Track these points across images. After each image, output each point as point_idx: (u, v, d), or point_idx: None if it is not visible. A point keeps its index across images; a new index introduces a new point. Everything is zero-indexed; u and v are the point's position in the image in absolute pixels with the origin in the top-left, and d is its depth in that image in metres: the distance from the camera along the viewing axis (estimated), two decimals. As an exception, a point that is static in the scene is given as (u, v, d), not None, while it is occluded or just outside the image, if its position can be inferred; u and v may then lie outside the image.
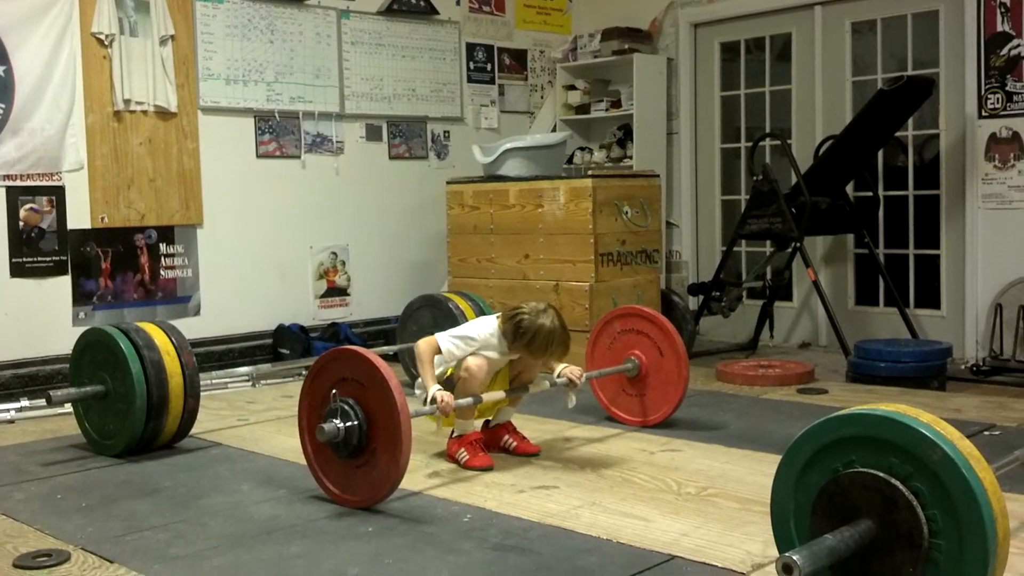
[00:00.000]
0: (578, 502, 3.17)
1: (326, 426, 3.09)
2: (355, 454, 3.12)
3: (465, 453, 3.66)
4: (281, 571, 2.62)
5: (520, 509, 3.10)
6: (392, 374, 3.07)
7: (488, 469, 3.60)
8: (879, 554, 2.10)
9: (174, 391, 3.86)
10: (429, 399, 3.37)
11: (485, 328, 3.67)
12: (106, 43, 5.42)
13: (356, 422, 3.09)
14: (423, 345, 3.57)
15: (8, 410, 4.71)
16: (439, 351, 3.58)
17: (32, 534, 2.98)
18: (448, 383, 3.59)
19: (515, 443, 3.80)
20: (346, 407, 3.12)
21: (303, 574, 2.60)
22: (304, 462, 3.70)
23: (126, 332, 3.90)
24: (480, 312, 4.89)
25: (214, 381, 5.09)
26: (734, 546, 2.73)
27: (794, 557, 1.97)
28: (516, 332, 3.57)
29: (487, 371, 3.62)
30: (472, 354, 3.59)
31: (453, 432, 3.73)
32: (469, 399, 3.49)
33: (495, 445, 3.80)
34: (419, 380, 3.59)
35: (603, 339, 4.29)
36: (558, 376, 3.72)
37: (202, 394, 4.13)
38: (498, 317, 3.68)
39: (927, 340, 5.60)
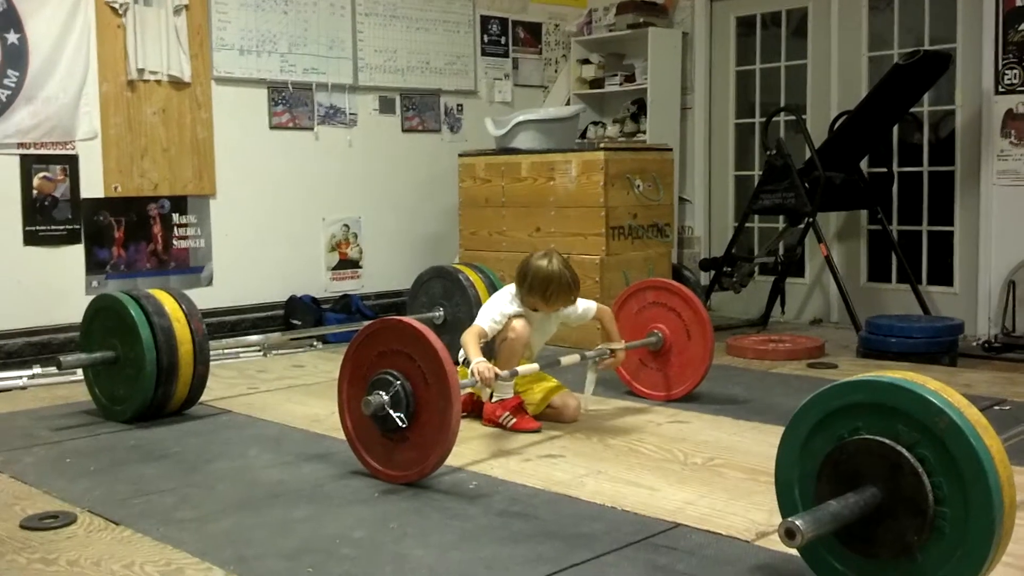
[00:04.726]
0: (584, 471, 3.17)
1: (372, 398, 3.00)
2: (400, 427, 2.99)
3: (511, 417, 3.68)
4: (286, 534, 2.64)
5: (526, 477, 3.11)
6: (441, 343, 3.00)
7: (536, 431, 3.63)
8: (884, 521, 2.09)
9: (184, 358, 3.87)
10: (470, 371, 3.37)
11: (506, 294, 3.76)
12: (120, 12, 5.41)
13: (403, 393, 3.00)
14: (467, 332, 3.59)
15: (20, 377, 4.73)
16: (484, 334, 3.61)
17: (39, 496, 2.99)
18: (489, 350, 3.64)
19: (515, 419, 3.72)
20: (391, 378, 3.02)
21: (308, 537, 2.61)
22: (315, 429, 3.74)
23: (136, 299, 3.91)
24: (490, 283, 4.90)
25: (225, 351, 5.12)
26: (739, 515, 2.72)
27: (797, 522, 1.96)
28: (522, 281, 3.66)
29: (530, 331, 3.68)
30: (516, 316, 3.66)
31: (492, 396, 3.73)
32: (506, 372, 3.48)
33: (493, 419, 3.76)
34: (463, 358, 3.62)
35: (626, 312, 4.20)
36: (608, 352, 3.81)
37: (213, 363, 4.16)
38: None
39: (939, 316, 5.56)
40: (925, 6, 5.96)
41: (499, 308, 3.71)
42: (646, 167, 5.70)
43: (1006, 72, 5.51)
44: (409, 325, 3.07)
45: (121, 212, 5.52)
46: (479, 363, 3.37)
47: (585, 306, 3.87)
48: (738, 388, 4.39)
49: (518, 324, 3.66)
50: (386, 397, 3.00)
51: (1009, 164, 5.54)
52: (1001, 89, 5.54)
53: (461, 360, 3.68)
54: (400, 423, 2.98)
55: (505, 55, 7.26)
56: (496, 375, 3.37)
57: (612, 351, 3.85)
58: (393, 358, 3.07)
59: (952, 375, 4.54)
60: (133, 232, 5.57)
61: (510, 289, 3.79)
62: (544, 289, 3.63)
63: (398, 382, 3.01)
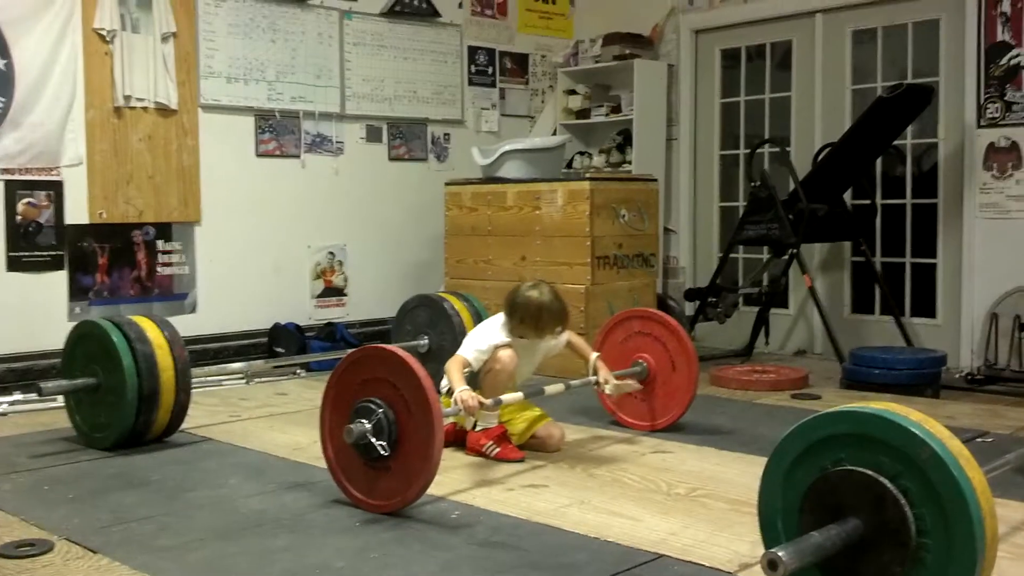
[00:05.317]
0: (567, 500, 3.16)
1: (354, 426, 2.97)
2: (383, 456, 2.97)
3: (495, 446, 3.66)
4: (266, 564, 2.61)
5: (509, 506, 3.09)
6: (424, 371, 2.98)
7: (520, 461, 3.61)
8: (867, 552, 2.09)
9: (165, 385, 3.85)
10: (453, 400, 3.37)
11: (494, 324, 3.75)
12: (108, 39, 5.42)
13: (386, 422, 2.98)
14: (451, 361, 3.61)
15: (1, 403, 4.70)
16: (467, 364, 3.63)
17: (17, 524, 2.96)
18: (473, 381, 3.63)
19: (499, 449, 3.71)
20: (374, 406, 3.00)
21: (288, 567, 2.58)
22: (297, 458, 3.72)
23: (119, 325, 3.89)
24: (475, 311, 4.90)
25: (208, 378, 5.09)
26: (722, 546, 2.71)
27: (779, 553, 1.95)
28: (511, 311, 3.66)
29: (516, 363, 3.67)
30: (503, 346, 3.65)
31: (475, 425, 3.71)
32: (490, 401, 3.46)
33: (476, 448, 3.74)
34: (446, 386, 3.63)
35: (611, 341, 4.21)
36: (594, 374, 3.83)
37: (195, 390, 4.13)
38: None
39: (922, 348, 5.58)
40: (908, 40, 6.02)
41: (486, 339, 3.70)
42: (631, 197, 5.72)
43: (988, 106, 5.56)
44: (392, 353, 3.06)
45: (105, 238, 5.50)
46: (463, 391, 3.36)
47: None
48: (722, 418, 4.39)
49: (504, 355, 3.65)
50: (368, 425, 2.98)
51: (991, 197, 5.58)
52: (983, 123, 5.59)
53: (444, 390, 3.66)
54: (382, 452, 2.97)
55: (492, 85, 7.30)
56: (480, 404, 3.37)
57: (599, 375, 3.84)
58: (376, 386, 3.05)
59: (935, 407, 4.54)
60: (117, 258, 5.55)
61: (498, 319, 3.78)
62: (536, 320, 3.64)
63: (381, 410, 2.99)
